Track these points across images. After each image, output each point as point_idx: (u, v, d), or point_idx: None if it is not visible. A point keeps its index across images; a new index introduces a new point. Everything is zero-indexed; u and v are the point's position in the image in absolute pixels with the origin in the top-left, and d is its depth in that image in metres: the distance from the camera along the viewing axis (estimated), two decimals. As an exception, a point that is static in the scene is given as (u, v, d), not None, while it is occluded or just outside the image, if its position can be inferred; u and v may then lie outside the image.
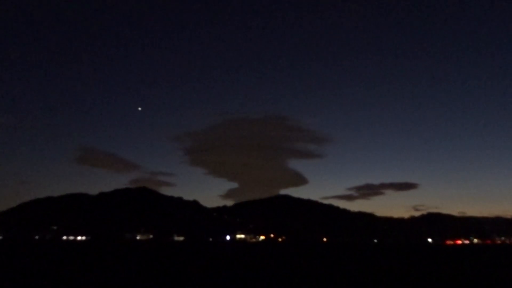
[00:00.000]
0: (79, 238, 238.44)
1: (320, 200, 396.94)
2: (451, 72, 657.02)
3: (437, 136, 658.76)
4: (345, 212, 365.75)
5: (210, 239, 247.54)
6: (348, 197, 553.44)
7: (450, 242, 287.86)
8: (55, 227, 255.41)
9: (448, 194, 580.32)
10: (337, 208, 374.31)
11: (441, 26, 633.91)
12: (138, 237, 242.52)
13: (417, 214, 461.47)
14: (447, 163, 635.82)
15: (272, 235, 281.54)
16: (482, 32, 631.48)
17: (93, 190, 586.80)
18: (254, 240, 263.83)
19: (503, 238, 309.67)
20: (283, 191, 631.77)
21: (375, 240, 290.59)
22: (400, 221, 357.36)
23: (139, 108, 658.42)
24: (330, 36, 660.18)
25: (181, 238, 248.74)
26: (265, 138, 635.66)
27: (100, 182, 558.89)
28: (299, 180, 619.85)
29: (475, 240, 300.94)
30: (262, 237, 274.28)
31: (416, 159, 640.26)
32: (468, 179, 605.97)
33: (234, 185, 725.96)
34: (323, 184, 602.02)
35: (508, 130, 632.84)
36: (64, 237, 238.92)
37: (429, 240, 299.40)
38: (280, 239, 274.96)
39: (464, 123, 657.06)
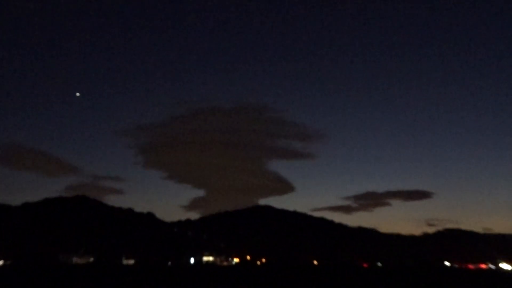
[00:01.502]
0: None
1: (309, 213, 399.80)
2: (472, 65, 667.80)
3: (456, 135, 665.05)
4: (341, 227, 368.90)
5: (169, 263, 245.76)
6: (345, 209, 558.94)
7: (472, 265, 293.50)
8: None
9: (470, 205, 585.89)
10: (331, 222, 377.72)
11: (450, 19, 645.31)
12: (74, 260, 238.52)
13: (431, 230, 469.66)
14: (469, 168, 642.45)
15: (248, 257, 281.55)
16: (496, 29, 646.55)
17: (16, 200, 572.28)
18: (225, 263, 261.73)
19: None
20: (263, 201, 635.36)
21: (379, 263, 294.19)
22: (410, 239, 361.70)
23: (78, 94, 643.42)
24: (321, 9, 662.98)
25: (132, 262, 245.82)
26: (240, 133, 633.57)
27: (25, 189, 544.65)
28: (283, 186, 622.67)
29: (503, 264, 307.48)
30: (236, 260, 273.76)
31: (430, 162, 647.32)
32: (495, 188, 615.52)
33: (200, 192, 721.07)
34: (314, 192, 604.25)
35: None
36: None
37: (446, 263, 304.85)
38: (259, 262, 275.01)
39: (490, 120, 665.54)
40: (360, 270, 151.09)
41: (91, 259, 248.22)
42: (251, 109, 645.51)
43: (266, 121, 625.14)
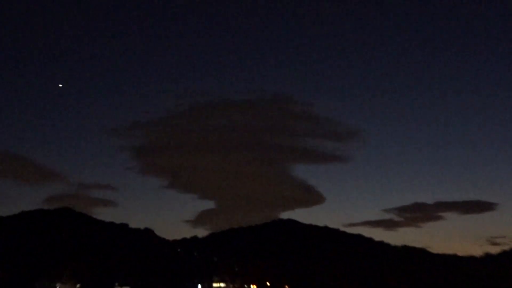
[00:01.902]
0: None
1: (343, 228, 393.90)
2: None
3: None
4: (382, 246, 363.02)
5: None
6: (388, 224, 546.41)
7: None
8: None
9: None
10: (370, 240, 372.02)
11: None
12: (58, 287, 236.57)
13: (495, 250, 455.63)
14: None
15: (268, 283, 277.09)
16: None
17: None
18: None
19: None
20: (286, 214, 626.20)
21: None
22: (469, 260, 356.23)
23: (60, 85, 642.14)
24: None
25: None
26: (257, 131, 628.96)
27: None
28: (311, 196, 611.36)
29: None
30: (253, 286, 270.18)
31: (493, 166, 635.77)
32: None
33: (209, 204, 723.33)
34: (348, 204, 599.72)
35: None
36: None
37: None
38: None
39: None
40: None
41: (78, 286, 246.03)
42: (271, 102, 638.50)
43: (290, 116, 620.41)
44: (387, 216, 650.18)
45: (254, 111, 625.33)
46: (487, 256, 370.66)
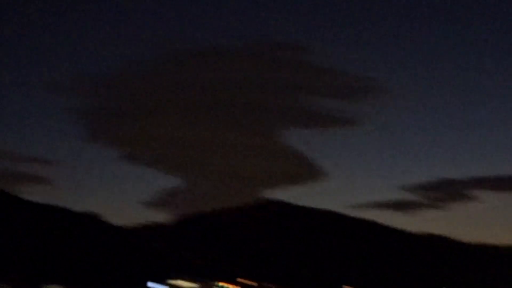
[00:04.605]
0: None
1: (348, 212, 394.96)
2: None
3: None
4: (397, 233, 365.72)
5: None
6: (405, 206, 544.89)
7: None
8: None
9: None
10: (382, 226, 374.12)
11: None
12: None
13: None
14: None
15: (248, 282, 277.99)
16: None
17: None
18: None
19: None
20: (274, 194, 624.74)
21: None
22: (509, 251, 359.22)
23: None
24: None
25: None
26: (241, 87, 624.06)
27: None
28: (307, 171, 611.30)
29: None
30: (227, 286, 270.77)
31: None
32: None
33: (175, 181, 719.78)
34: (356, 180, 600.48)
35: None
36: None
37: None
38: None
39: None
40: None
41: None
42: (262, 50, 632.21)
43: (278, 66, 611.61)
44: (405, 196, 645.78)
45: (240, 63, 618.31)
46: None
